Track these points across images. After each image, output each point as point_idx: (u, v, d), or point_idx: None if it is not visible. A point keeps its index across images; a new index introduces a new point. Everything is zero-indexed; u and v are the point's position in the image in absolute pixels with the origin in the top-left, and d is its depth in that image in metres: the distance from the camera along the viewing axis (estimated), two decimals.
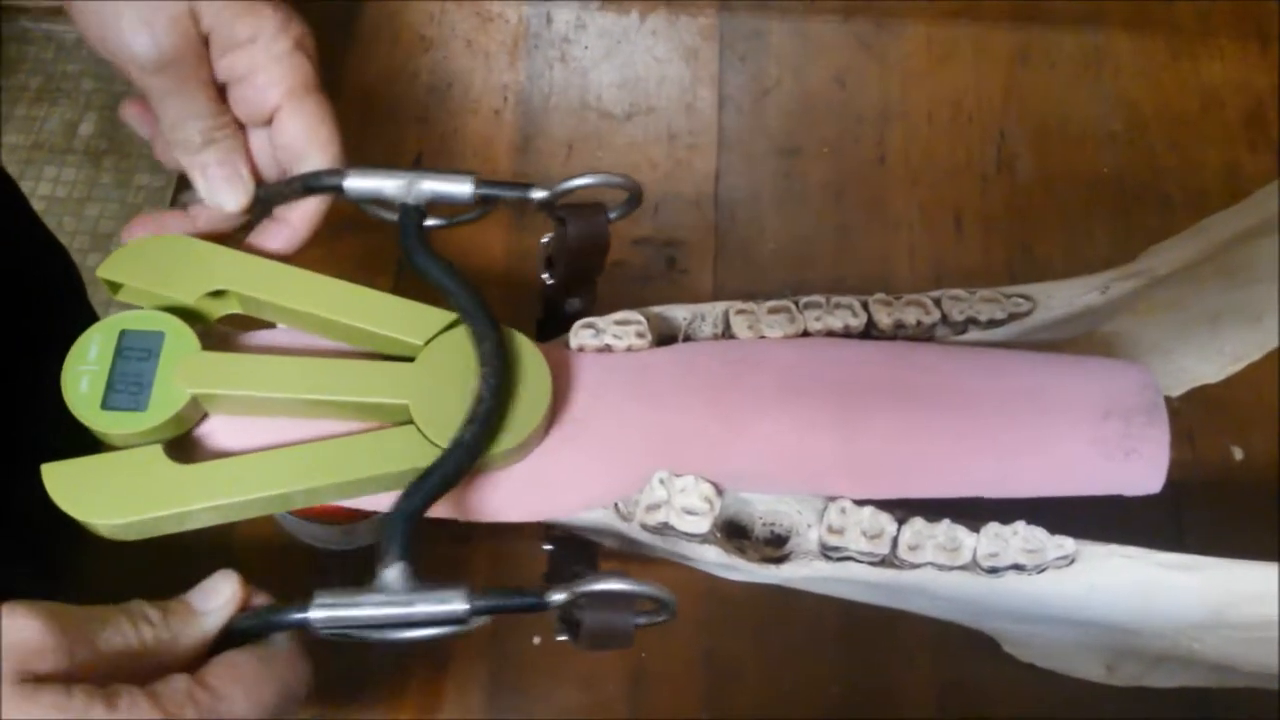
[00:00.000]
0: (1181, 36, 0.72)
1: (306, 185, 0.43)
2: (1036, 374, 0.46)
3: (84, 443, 0.45)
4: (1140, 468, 0.44)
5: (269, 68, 0.41)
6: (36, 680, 0.30)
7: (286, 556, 0.55)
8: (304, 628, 0.36)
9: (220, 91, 0.42)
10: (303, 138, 0.42)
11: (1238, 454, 0.59)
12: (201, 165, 0.43)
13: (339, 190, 0.42)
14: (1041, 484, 0.45)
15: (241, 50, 0.41)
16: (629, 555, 0.47)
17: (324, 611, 0.36)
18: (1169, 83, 0.70)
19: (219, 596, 0.36)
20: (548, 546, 0.46)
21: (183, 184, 0.47)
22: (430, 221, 0.45)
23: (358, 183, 0.42)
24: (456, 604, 0.36)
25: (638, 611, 0.38)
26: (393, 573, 0.36)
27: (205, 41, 0.41)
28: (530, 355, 0.45)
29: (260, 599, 0.37)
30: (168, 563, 0.43)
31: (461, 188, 0.43)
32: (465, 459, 0.41)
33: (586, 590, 0.37)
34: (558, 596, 0.37)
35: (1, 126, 1.57)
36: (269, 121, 0.42)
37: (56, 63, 1.63)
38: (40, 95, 1.60)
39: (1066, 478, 0.45)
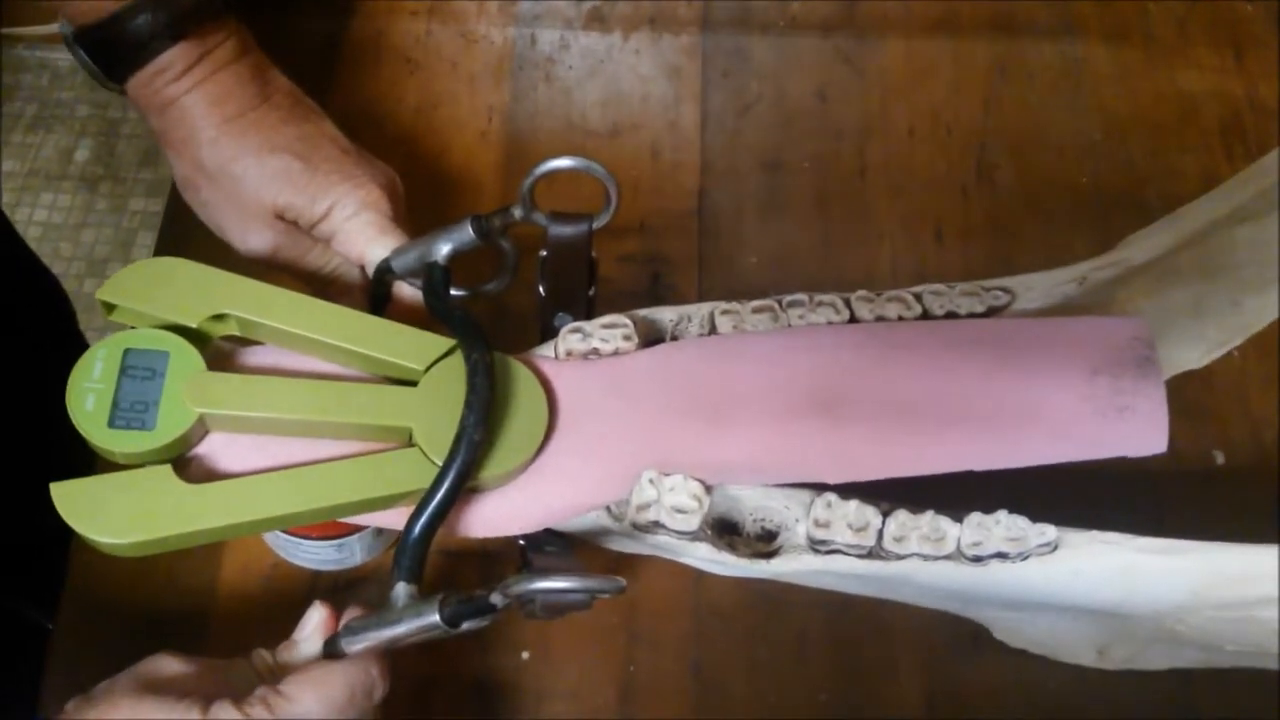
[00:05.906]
0: (1159, 46, 0.73)
1: (377, 280, 0.52)
2: (1021, 338, 0.46)
3: (76, 460, 0.46)
4: (1138, 425, 0.44)
5: (344, 228, 0.52)
6: (155, 691, 0.40)
7: (276, 570, 0.56)
8: (338, 651, 0.42)
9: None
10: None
11: (1219, 458, 0.59)
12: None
13: (392, 272, 0.51)
14: (1036, 451, 0.44)
15: (323, 221, 0.52)
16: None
17: (354, 637, 0.42)
18: (1147, 92, 0.71)
19: (309, 625, 0.44)
20: (521, 540, 0.47)
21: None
22: (456, 292, 0.51)
23: (399, 262, 0.51)
24: (433, 616, 0.40)
25: (588, 591, 0.40)
26: (399, 592, 0.42)
27: (296, 224, 0.52)
28: (527, 383, 0.46)
29: (351, 613, 0.43)
30: (151, 559, 0.44)
31: (464, 232, 0.50)
32: (455, 484, 0.43)
33: (532, 590, 0.40)
34: (506, 599, 0.40)
35: None
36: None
37: (51, 89, 1.64)
38: (36, 122, 1.61)
39: (1062, 442, 0.44)
